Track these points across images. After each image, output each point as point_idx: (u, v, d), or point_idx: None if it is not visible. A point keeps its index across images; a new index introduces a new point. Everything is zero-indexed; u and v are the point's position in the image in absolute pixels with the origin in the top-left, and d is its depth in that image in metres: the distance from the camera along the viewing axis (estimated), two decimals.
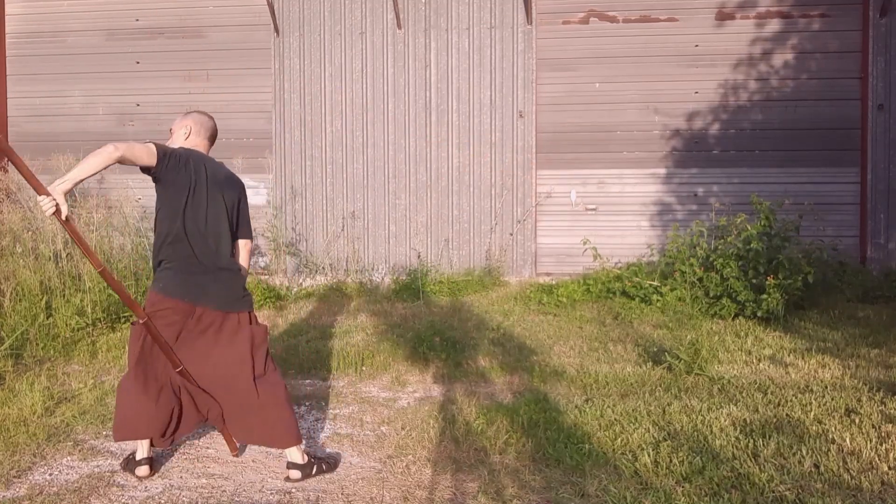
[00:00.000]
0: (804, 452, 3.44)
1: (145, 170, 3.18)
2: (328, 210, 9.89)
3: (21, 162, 2.78)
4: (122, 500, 3.15)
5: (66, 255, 6.46)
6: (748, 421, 3.90)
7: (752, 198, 7.47)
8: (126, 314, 6.42)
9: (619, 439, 3.66)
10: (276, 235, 9.26)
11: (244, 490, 3.25)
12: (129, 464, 3.41)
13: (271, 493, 3.21)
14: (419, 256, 9.46)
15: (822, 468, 3.29)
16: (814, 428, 3.78)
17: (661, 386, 4.65)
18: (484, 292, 8.59)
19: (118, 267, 6.68)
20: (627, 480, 3.21)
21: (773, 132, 9.33)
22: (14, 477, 3.38)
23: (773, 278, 6.63)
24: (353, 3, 9.75)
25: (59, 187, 2.82)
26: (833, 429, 3.76)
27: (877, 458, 3.38)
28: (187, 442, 3.83)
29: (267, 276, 9.12)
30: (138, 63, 10.17)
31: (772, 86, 9.33)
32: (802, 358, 5.32)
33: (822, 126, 9.25)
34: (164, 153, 3.20)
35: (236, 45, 10.04)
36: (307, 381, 5.00)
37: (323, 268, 9.56)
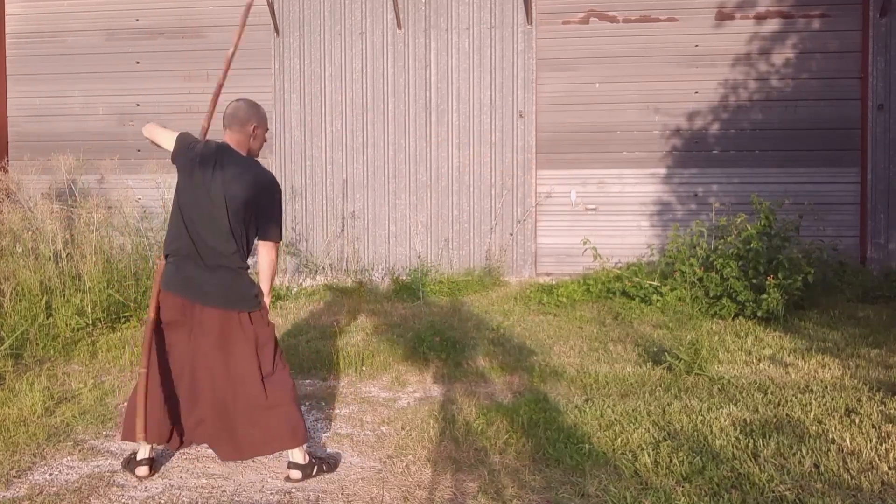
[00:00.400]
0: (804, 452, 3.44)
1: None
2: (328, 210, 9.89)
3: None
4: (122, 500, 3.15)
5: (66, 255, 6.46)
6: (748, 421, 3.90)
7: (752, 198, 7.47)
8: (126, 314, 6.42)
9: (619, 439, 3.66)
10: None
11: (244, 490, 3.25)
12: (130, 463, 3.41)
13: (271, 493, 3.21)
14: (419, 256, 9.46)
15: (822, 468, 3.29)
16: (814, 428, 3.78)
17: (661, 386, 4.65)
18: (484, 292, 8.59)
19: (118, 267, 6.68)
20: (627, 480, 3.21)
21: (773, 132, 9.33)
22: (14, 477, 3.38)
23: (773, 278, 6.63)
24: (353, 3, 9.75)
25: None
26: (833, 429, 3.76)
27: (877, 458, 3.38)
28: None
29: None
30: (138, 63, 10.17)
31: (772, 86, 9.33)
32: (802, 358, 5.32)
33: (822, 126, 9.25)
34: (181, 144, 3.31)
35: None
36: (307, 381, 5.00)
37: (323, 268, 9.56)
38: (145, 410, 3.27)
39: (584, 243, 8.35)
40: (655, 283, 7.55)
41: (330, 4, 9.80)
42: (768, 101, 9.33)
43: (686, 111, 9.45)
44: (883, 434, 3.68)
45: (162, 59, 10.12)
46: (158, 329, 3.34)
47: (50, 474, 3.42)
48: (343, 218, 9.83)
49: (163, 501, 3.14)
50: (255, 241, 3.44)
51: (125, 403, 4.40)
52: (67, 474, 3.43)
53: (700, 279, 7.24)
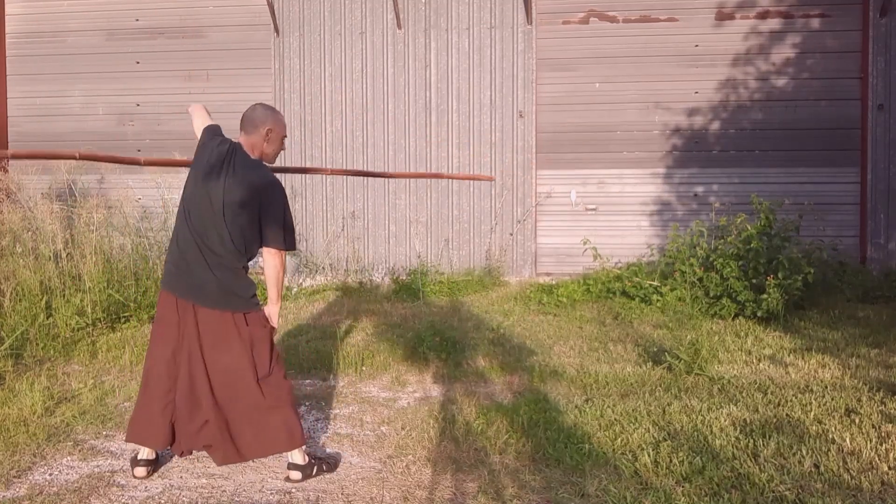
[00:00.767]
0: (804, 452, 3.44)
1: None
2: (328, 210, 9.89)
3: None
4: (122, 500, 3.15)
5: (66, 255, 6.46)
6: (748, 421, 3.90)
7: (752, 198, 7.47)
8: (126, 314, 6.42)
9: (619, 439, 3.66)
10: None
11: (244, 490, 3.25)
12: (132, 462, 3.41)
13: (271, 493, 3.21)
14: (419, 256, 9.46)
15: (822, 468, 3.29)
16: (814, 428, 3.79)
17: (661, 386, 4.65)
18: (484, 292, 8.59)
19: (118, 267, 6.68)
20: (627, 480, 3.21)
21: (773, 132, 9.33)
22: (14, 477, 3.38)
23: (773, 278, 6.63)
24: (353, 3, 9.75)
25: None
26: (833, 429, 3.76)
27: (877, 458, 3.38)
28: None
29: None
30: (138, 63, 10.17)
31: (772, 86, 9.33)
32: (802, 358, 5.32)
33: (822, 126, 9.25)
34: (205, 138, 3.40)
35: (236, 45, 10.04)
36: (307, 381, 5.00)
37: (323, 268, 9.56)
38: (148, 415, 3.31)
39: (584, 243, 8.35)
40: (655, 283, 7.55)
41: (330, 4, 9.80)
42: (768, 100, 9.33)
43: (686, 111, 9.45)
44: (883, 434, 3.68)
45: (162, 59, 10.12)
46: (158, 329, 3.34)
47: (50, 474, 3.42)
48: (343, 218, 9.83)
49: (163, 501, 3.14)
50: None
51: (126, 403, 4.41)
52: (67, 474, 3.43)
53: (700, 279, 7.24)
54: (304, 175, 9.88)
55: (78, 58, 10.27)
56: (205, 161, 3.28)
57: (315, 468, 3.36)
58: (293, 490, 3.24)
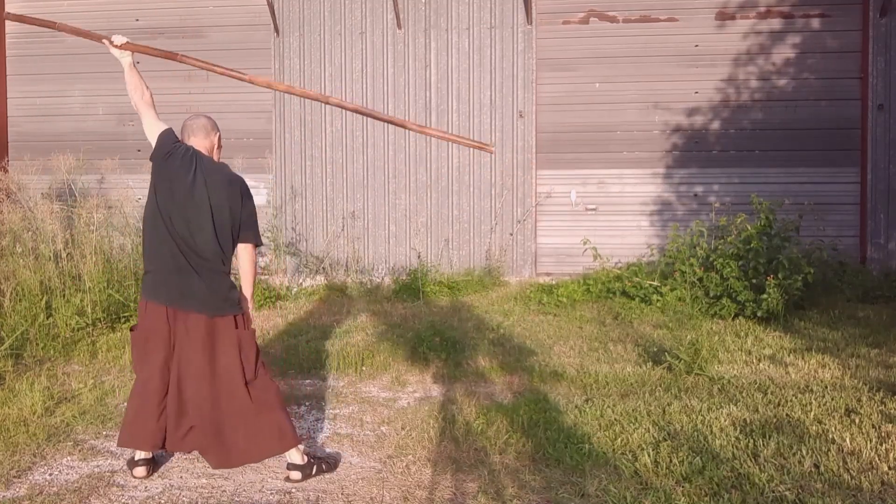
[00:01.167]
0: (804, 452, 3.44)
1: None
2: (328, 210, 9.89)
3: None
4: (122, 500, 3.15)
5: (66, 255, 6.46)
6: (748, 421, 3.90)
7: (752, 198, 7.47)
8: (126, 314, 6.41)
9: (619, 439, 3.66)
10: (276, 235, 9.26)
11: (244, 490, 3.25)
12: (129, 463, 3.41)
13: (271, 493, 3.21)
14: (419, 256, 9.46)
15: (822, 468, 3.29)
16: (814, 428, 3.78)
17: (661, 386, 4.65)
18: (484, 292, 8.59)
19: (118, 267, 6.68)
20: (627, 480, 3.21)
21: (773, 132, 9.33)
22: (14, 477, 3.38)
23: (773, 278, 6.63)
24: (353, 3, 9.75)
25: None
26: (833, 429, 3.76)
27: (877, 458, 3.38)
28: None
29: (267, 276, 9.12)
30: (138, 63, 10.14)
31: (772, 86, 9.33)
32: (802, 358, 5.32)
33: (822, 126, 9.25)
34: (165, 145, 3.30)
35: (236, 45, 10.04)
36: (307, 381, 5.00)
37: (323, 268, 9.56)
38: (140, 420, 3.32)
39: (584, 243, 8.35)
40: (655, 283, 7.54)
41: (330, 4, 9.80)
42: (768, 100, 9.33)
43: (686, 111, 9.44)
44: (883, 434, 3.68)
45: (162, 59, 10.11)
46: (145, 339, 3.32)
47: (50, 474, 3.43)
48: (343, 218, 9.83)
49: (163, 501, 3.14)
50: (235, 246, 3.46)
51: (126, 403, 4.41)
52: (67, 474, 3.43)
53: (700, 279, 7.24)
54: (304, 175, 9.88)
55: (78, 58, 10.26)
56: (178, 168, 3.27)
57: (315, 467, 3.37)
58: (293, 490, 3.24)
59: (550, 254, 9.70)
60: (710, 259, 7.26)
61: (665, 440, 3.64)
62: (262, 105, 10.00)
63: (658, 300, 7.32)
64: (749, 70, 9.35)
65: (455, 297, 8.28)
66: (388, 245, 9.78)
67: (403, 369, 5.24)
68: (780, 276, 6.68)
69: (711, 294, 7.06)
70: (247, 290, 3.45)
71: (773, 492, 3.06)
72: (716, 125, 9.42)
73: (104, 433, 3.97)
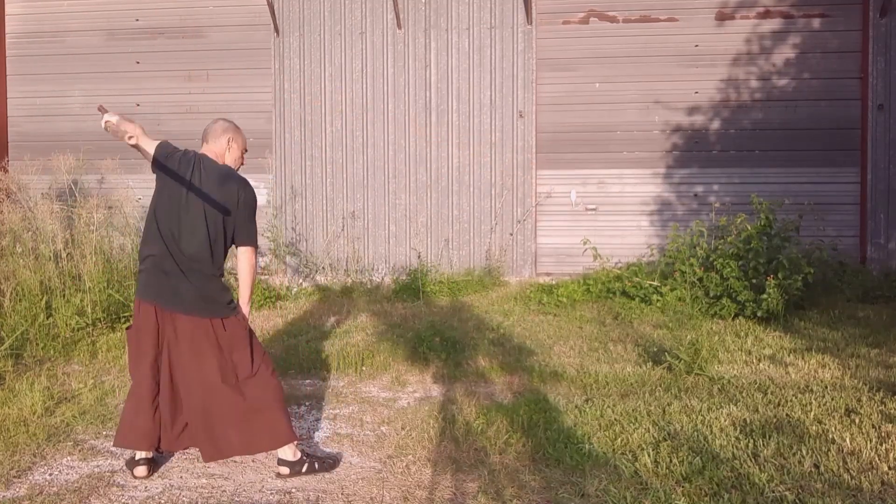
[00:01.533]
0: (804, 452, 3.44)
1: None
2: (328, 210, 9.89)
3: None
4: (122, 500, 3.15)
5: (66, 255, 6.46)
6: (748, 421, 3.90)
7: (752, 198, 7.47)
8: (126, 314, 6.41)
9: (619, 439, 3.66)
10: (276, 235, 9.26)
11: (244, 490, 3.25)
12: (129, 463, 3.42)
13: (271, 493, 3.21)
14: (419, 256, 9.46)
15: (822, 468, 3.29)
16: (814, 428, 3.78)
17: (661, 386, 4.65)
18: (484, 292, 8.59)
19: (118, 267, 6.68)
20: (627, 481, 3.21)
21: (773, 132, 9.33)
22: (14, 477, 3.38)
23: (773, 278, 6.63)
24: (353, 3, 9.75)
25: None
26: (833, 429, 3.76)
27: (877, 458, 3.38)
28: None
29: (267, 276, 9.12)
30: (138, 63, 10.17)
31: (772, 86, 9.33)
32: (802, 358, 5.32)
33: (822, 126, 9.25)
34: (164, 154, 3.31)
35: (236, 45, 10.04)
36: (307, 381, 5.00)
37: (323, 268, 9.56)
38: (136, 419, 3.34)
39: (584, 243, 8.35)
40: (655, 283, 7.55)
41: (330, 4, 9.80)
42: (768, 100, 9.33)
43: (686, 111, 9.44)
44: (883, 434, 3.68)
45: (162, 59, 10.12)
46: (137, 338, 3.35)
47: (50, 474, 3.43)
48: (343, 218, 9.83)
49: (163, 501, 3.14)
50: (232, 248, 3.47)
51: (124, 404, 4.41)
52: (67, 474, 3.43)
53: (700, 279, 7.24)
54: (303, 175, 9.88)
55: (78, 58, 10.27)
56: (174, 171, 3.30)
57: (306, 465, 3.38)
58: (293, 490, 3.24)
59: (550, 254, 9.70)
60: (710, 259, 7.26)
61: (665, 440, 3.64)
62: (262, 105, 10.00)
63: (658, 300, 7.32)
64: (749, 70, 9.35)
65: (455, 297, 8.29)
66: (388, 245, 9.78)
67: (403, 369, 5.24)
68: (780, 276, 6.68)
69: (711, 294, 7.06)
70: (243, 293, 3.43)
71: (773, 492, 3.06)
72: (716, 125, 9.42)
73: (104, 433, 3.97)
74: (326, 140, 9.85)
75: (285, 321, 6.98)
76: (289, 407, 4.37)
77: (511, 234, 9.62)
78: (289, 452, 3.36)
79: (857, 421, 3.87)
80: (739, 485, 3.13)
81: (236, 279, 3.52)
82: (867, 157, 9.14)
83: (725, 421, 3.90)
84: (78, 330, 5.93)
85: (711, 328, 6.43)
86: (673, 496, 3.02)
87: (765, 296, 6.55)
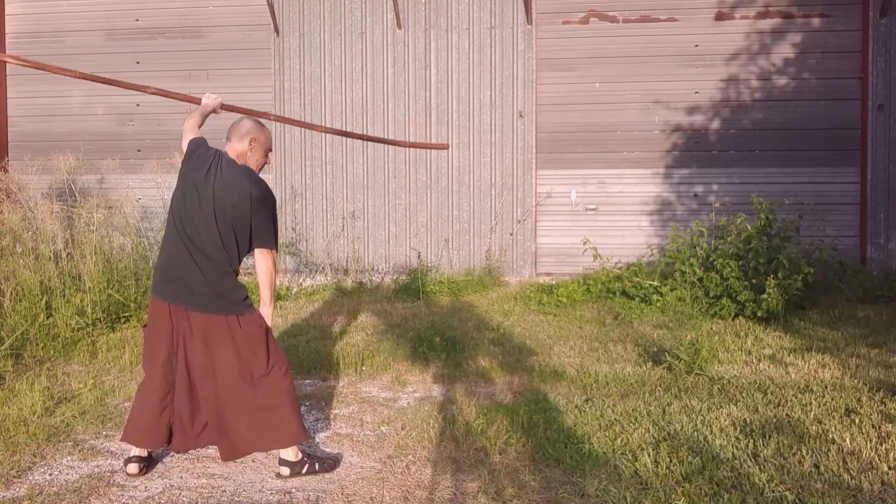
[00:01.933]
0: (804, 452, 3.44)
1: None
2: (328, 210, 9.89)
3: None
4: (122, 500, 3.15)
5: (66, 255, 6.46)
6: (748, 421, 3.90)
7: (752, 197, 7.47)
8: (126, 314, 6.42)
9: (619, 439, 3.66)
10: None
11: (244, 490, 3.25)
12: (125, 461, 3.42)
13: (271, 493, 3.21)
14: (419, 256, 9.46)
15: (822, 468, 3.29)
16: (814, 428, 3.78)
17: (661, 386, 4.65)
18: (484, 292, 8.59)
19: (118, 267, 6.68)
20: (627, 481, 3.21)
21: (773, 132, 9.33)
22: (14, 477, 3.38)
23: (773, 278, 6.63)
24: (353, 3, 9.75)
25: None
26: (833, 429, 3.76)
27: (877, 458, 3.38)
28: None
29: None
30: (138, 63, 10.17)
31: (772, 85, 9.33)
32: (802, 358, 5.32)
33: (822, 126, 9.25)
34: (191, 149, 3.42)
35: (236, 45, 10.04)
36: (307, 381, 5.00)
37: (323, 268, 9.56)
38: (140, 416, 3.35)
39: (584, 243, 8.35)
40: (655, 283, 7.55)
41: (330, 4, 9.80)
42: (768, 100, 9.33)
43: (686, 111, 9.44)
44: (883, 434, 3.68)
45: (162, 59, 10.12)
46: (152, 335, 3.36)
47: (50, 474, 3.43)
48: (343, 218, 9.83)
49: (163, 501, 3.14)
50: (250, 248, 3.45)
51: (126, 403, 4.41)
52: (67, 474, 3.43)
53: (700, 279, 7.24)
54: (303, 175, 9.88)
55: (78, 58, 10.26)
56: (192, 168, 3.32)
57: (307, 466, 3.38)
58: (293, 490, 3.24)
59: (550, 254, 9.70)
60: (710, 259, 7.26)
61: (665, 440, 3.64)
62: (262, 105, 9.99)
63: (658, 300, 7.32)
64: (749, 70, 9.35)
65: (455, 297, 8.29)
66: (388, 245, 9.78)
67: (403, 369, 5.24)
68: (780, 276, 6.68)
69: (711, 294, 7.06)
70: (264, 295, 3.38)
71: (773, 492, 3.06)
72: (716, 125, 9.42)
73: (104, 433, 3.97)
74: (326, 140, 9.85)
75: (285, 321, 6.98)
76: None
77: (511, 234, 9.62)
78: (290, 453, 3.36)
79: (857, 421, 3.87)
80: (739, 485, 3.13)
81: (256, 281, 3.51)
82: (867, 157, 9.14)
83: (725, 421, 3.90)
84: (78, 330, 5.93)
85: (711, 328, 6.43)
86: (673, 496, 3.02)
87: (765, 296, 6.55)
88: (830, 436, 3.66)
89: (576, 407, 4.20)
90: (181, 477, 3.39)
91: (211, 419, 3.31)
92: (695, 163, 9.46)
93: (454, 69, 9.63)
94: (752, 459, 3.38)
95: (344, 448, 3.76)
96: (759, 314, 6.63)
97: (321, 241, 9.83)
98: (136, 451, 3.39)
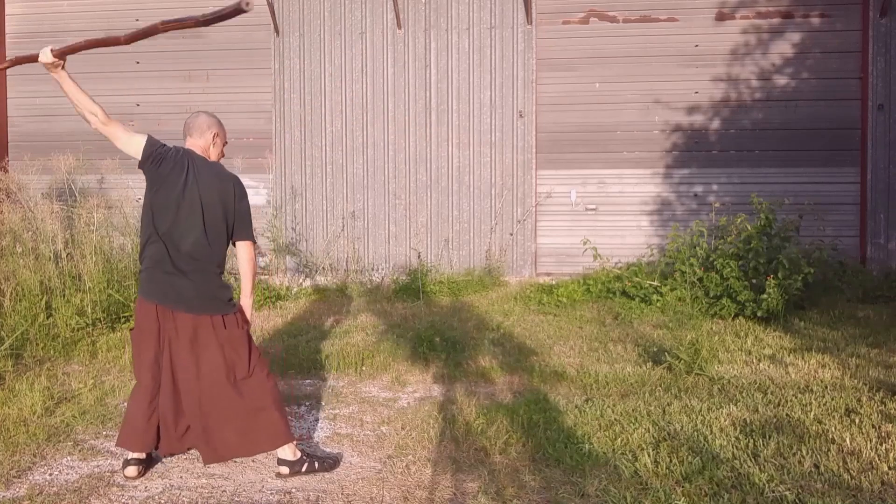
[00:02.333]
0: (804, 452, 3.44)
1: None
2: (328, 210, 9.89)
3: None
4: (122, 500, 3.15)
5: (66, 255, 6.46)
6: (748, 421, 3.90)
7: (752, 197, 7.47)
8: (126, 314, 6.41)
9: (619, 439, 3.66)
10: (276, 235, 9.26)
11: (244, 490, 3.25)
12: (123, 463, 3.42)
13: (271, 493, 3.21)
14: (419, 256, 9.46)
15: (822, 468, 3.29)
16: (814, 428, 3.78)
17: (661, 386, 4.65)
18: (484, 292, 8.59)
19: (118, 267, 6.68)
20: (627, 481, 3.21)
21: (773, 132, 9.33)
22: (14, 477, 3.38)
23: (773, 278, 6.63)
24: (353, 3, 9.75)
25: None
26: (833, 429, 3.76)
27: (877, 458, 3.38)
28: None
29: (267, 276, 9.12)
30: (138, 63, 10.17)
31: (772, 85, 9.33)
32: (802, 358, 5.32)
33: (822, 126, 9.25)
34: (153, 151, 3.27)
35: (236, 45, 10.04)
36: (307, 381, 5.00)
37: (323, 268, 9.56)
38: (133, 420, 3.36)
39: (584, 243, 8.35)
40: (655, 283, 7.54)
41: (330, 4, 9.80)
42: (768, 100, 9.33)
43: (686, 111, 9.44)
44: (883, 434, 3.68)
45: (162, 59, 10.11)
46: (138, 337, 3.35)
47: (50, 474, 3.43)
48: (343, 218, 9.83)
49: (163, 501, 3.14)
50: (230, 244, 3.47)
51: (126, 403, 4.41)
52: (67, 474, 3.43)
53: (700, 279, 7.24)
54: (303, 175, 9.88)
55: (78, 58, 10.20)
56: (171, 171, 3.28)
57: (306, 465, 3.38)
58: (293, 490, 3.24)
59: (550, 254, 9.70)
60: (710, 259, 7.26)
61: (665, 440, 3.64)
62: (262, 105, 10.00)
63: (658, 300, 7.32)
64: (749, 70, 9.35)
65: (455, 297, 8.28)
66: (388, 245, 9.78)
67: (403, 369, 5.24)
68: (780, 276, 6.68)
69: (711, 294, 7.06)
70: (246, 287, 3.45)
71: (773, 492, 3.06)
72: (716, 125, 9.42)
73: (104, 433, 3.97)
74: (326, 140, 9.85)
75: (285, 321, 6.98)
76: (289, 407, 4.38)
77: (511, 234, 9.62)
78: (288, 452, 3.36)
79: (857, 421, 3.87)
80: (739, 485, 3.13)
81: (236, 278, 3.52)
82: (867, 157, 9.14)
83: (725, 421, 3.90)
84: (78, 330, 5.93)
85: (711, 328, 6.43)
86: (673, 496, 3.02)
87: (765, 296, 6.55)
88: (830, 436, 3.66)
89: (576, 407, 4.20)
90: (181, 477, 3.39)
91: (194, 422, 3.30)
92: (695, 163, 9.46)
93: (454, 69, 9.63)
94: (752, 459, 3.38)
95: (344, 448, 3.76)
96: (759, 314, 6.63)
97: (321, 241, 9.83)
98: (133, 453, 3.39)
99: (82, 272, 6.27)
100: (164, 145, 3.36)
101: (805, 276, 6.82)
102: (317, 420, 4.21)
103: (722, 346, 5.68)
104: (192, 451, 3.68)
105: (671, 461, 3.37)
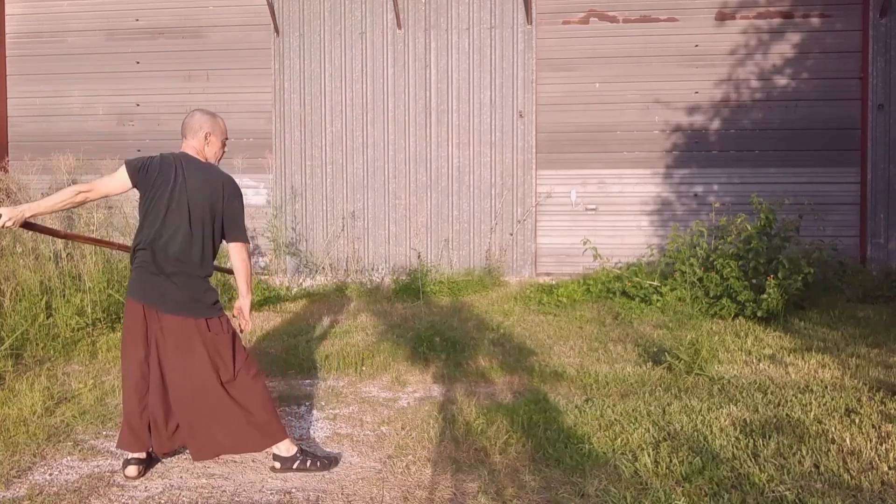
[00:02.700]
0: (804, 452, 3.44)
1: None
2: (328, 210, 9.89)
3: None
4: (122, 500, 3.15)
5: (66, 255, 6.46)
6: (748, 421, 3.90)
7: (752, 198, 7.47)
8: None
9: (619, 439, 3.66)
10: (276, 235, 9.26)
11: (244, 490, 3.25)
12: (123, 463, 3.43)
13: (271, 493, 3.21)
14: (419, 256, 9.46)
15: (822, 468, 3.29)
16: (814, 428, 3.78)
17: (661, 386, 4.65)
18: (484, 292, 8.59)
19: (118, 267, 6.68)
20: (627, 481, 3.21)
21: (773, 132, 9.33)
22: (14, 477, 3.38)
23: (773, 278, 6.63)
24: (353, 3, 9.75)
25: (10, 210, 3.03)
26: (833, 429, 3.76)
27: (877, 458, 3.38)
28: None
29: (267, 276, 9.12)
30: (138, 63, 10.17)
31: (772, 86, 9.33)
32: (802, 358, 5.32)
33: (822, 126, 9.25)
34: (135, 169, 3.28)
35: (236, 45, 10.04)
36: (307, 381, 5.00)
37: (323, 268, 9.56)
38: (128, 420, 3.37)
39: (584, 243, 8.34)
40: (655, 283, 7.54)
41: (330, 4, 9.80)
42: (768, 100, 9.33)
43: (686, 111, 9.44)
44: (883, 434, 3.68)
45: (162, 59, 10.12)
46: (127, 337, 3.36)
47: (50, 474, 3.42)
48: (343, 218, 9.83)
49: (163, 501, 3.14)
50: (222, 246, 3.48)
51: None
52: (67, 474, 3.43)
53: (700, 279, 7.24)
54: (303, 175, 9.88)
55: (78, 58, 10.26)
56: (156, 177, 3.28)
57: (298, 461, 3.39)
58: (293, 490, 3.24)
59: (550, 254, 9.70)
60: (710, 259, 7.26)
61: (665, 440, 3.64)
62: (262, 105, 10.00)
63: (658, 300, 7.32)
64: (749, 70, 9.35)
65: (455, 297, 8.28)
66: (388, 245, 9.78)
67: (403, 369, 5.24)
68: (780, 276, 6.68)
69: (711, 294, 7.06)
70: (242, 288, 3.45)
71: (773, 492, 3.06)
72: (716, 125, 9.42)
73: (104, 433, 3.96)
74: (326, 140, 9.85)
75: (285, 321, 6.98)
76: (288, 407, 4.38)
77: (511, 234, 9.62)
78: (282, 448, 3.38)
79: (857, 421, 3.87)
80: (739, 485, 3.13)
81: (234, 279, 3.52)
82: (867, 157, 9.14)
83: (725, 421, 3.90)
84: (78, 330, 5.93)
85: (711, 328, 6.43)
86: (673, 496, 3.02)
87: (765, 296, 6.55)
88: (830, 436, 3.66)
89: (576, 407, 4.20)
90: (181, 477, 3.39)
91: (182, 421, 3.32)
92: (695, 163, 9.46)
93: (454, 69, 9.63)
94: (752, 459, 3.38)
95: (344, 448, 3.76)
96: (759, 314, 6.63)
97: (321, 241, 9.83)
98: (133, 453, 3.39)
99: (82, 272, 6.27)
100: (144, 158, 3.36)
101: (805, 276, 6.82)
102: (317, 420, 4.21)
103: (722, 346, 5.68)
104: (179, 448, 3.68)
105: (671, 461, 3.36)
